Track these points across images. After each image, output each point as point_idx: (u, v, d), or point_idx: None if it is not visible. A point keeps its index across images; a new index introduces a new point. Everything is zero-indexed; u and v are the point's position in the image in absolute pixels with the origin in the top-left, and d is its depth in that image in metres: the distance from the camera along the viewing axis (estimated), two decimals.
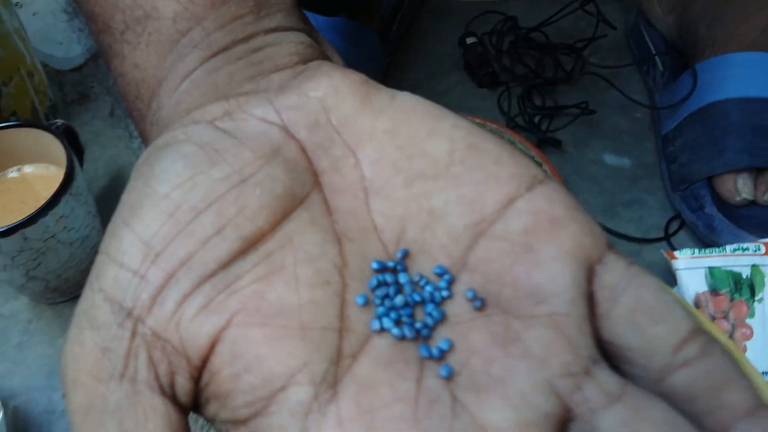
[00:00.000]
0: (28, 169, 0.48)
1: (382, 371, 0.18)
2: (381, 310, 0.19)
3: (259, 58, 0.23)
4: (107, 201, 0.56)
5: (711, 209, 0.49)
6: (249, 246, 0.19)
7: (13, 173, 0.48)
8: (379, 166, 0.21)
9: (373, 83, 0.22)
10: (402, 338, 0.18)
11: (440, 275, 0.19)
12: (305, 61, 0.23)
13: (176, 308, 0.18)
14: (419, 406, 0.17)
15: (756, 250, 0.45)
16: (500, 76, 0.61)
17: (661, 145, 0.55)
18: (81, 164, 0.50)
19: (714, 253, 0.46)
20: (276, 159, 0.20)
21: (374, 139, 0.21)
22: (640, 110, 0.59)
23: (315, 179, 0.21)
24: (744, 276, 0.45)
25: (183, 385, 0.18)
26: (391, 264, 0.20)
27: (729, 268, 0.45)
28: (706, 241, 0.50)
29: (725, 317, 0.44)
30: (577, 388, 0.17)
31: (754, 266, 0.45)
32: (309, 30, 0.25)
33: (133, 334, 0.17)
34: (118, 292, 0.18)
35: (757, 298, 0.44)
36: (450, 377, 0.18)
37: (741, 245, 0.46)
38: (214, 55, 0.23)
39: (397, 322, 0.19)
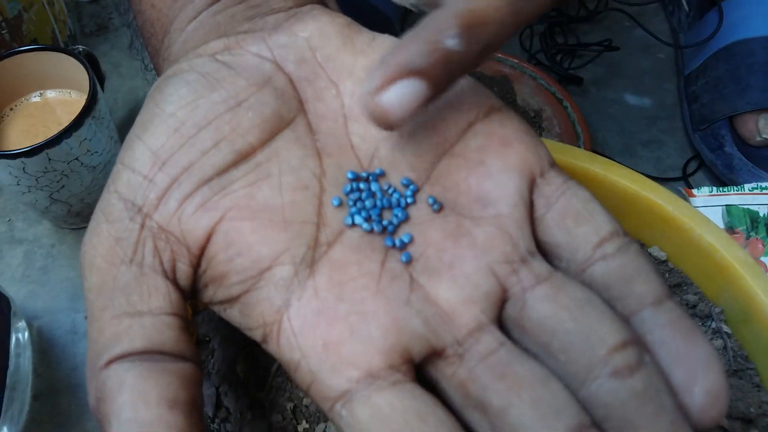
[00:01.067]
0: (50, 94, 0.48)
1: (352, 254, 0.21)
2: (353, 209, 0.22)
3: (258, 2, 0.26)
4: (128, 130, 0.56)
5: (731, 149, 0.49)
6: (241, 158, 0.21)
7: (35, 98, 0.48)
8: (357, 97, 0.23)
9: (356, 26, 0.25)
10: (370, 232, 0.21)
11: (406, 185, 0.22)
12: (299, 5, 0.26)
13: (178, 206, 0.21)
14: (382, 280, 0.20)
15: None
16: None
17: (683, 85, 0.54)
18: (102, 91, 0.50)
19: (732, 192, 0.46)
20: (267, 87, 0.23)
21: (354, 75, 0.24)
22: (663, 51, 0.59)
23: (301, 106, 0.23)
24: (761, 214, 0.45)
25: (183, 270, 0.21)
26: (364, 174, 0.22)
27: (746, 207, 0.45)
28: (725, 180, 0.50)
29: None
30: (513, 272, 0.20)
31: None
32: None
33: (142, 226, 0.20)
34: (130, 192, 0.21)
35: None
36: (409, 262, 0.21)
37: (759, 184, 0.46)
38: None
39: (367, 219, 0.21)
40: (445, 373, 0.19)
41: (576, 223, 0.21)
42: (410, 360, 0.19)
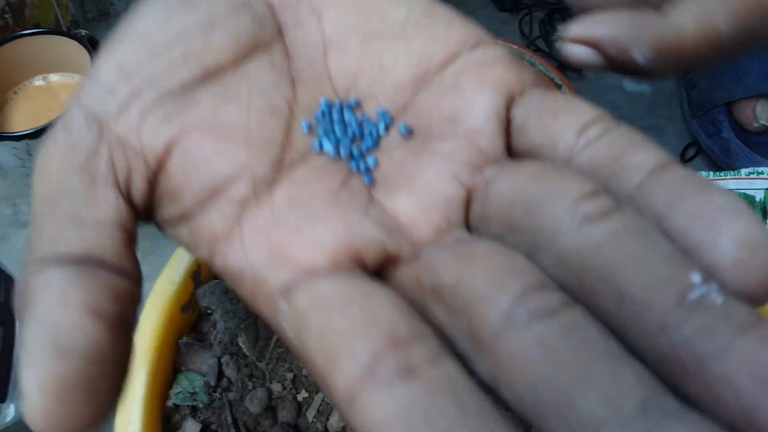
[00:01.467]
0: (53, 77, 0.49)
1: (315, 175, 0.20)
2: (323, 136, 0.21)
3: None
4: None
5: (728, 134, 0.49)
6: (209, 75, 0.21)
7: (38, 81, 0.49)
8: (339, 27, 0.23)
9: None
10: (337, 158, 0.21)
11: (381, 116, 0.22)
12: None
13: (139, 118, 0.20)
14: (341, 194, 0.20)
15: None
16: (523, 0, 0.61)
17: (681, 72, 0.55)
18: None
19: (729, 176, 0.46)
20: (244, 11, 0.22)
21: (338, 4, 0.23)
22: None
23: (279, 32, 0.23)
24: (757, 199, 0.46)
25: (138, 187, 0.20)
26: (338, 103, 0.22)
27: (742, 191, 0.46)
28: (722, 165, 0.50)
29: None
30: (478, 172, 0.19)
31: (767, 190, 0.46)
32: None
33: (100, 137, 0.20)
34: (92, 102, 0.20)
35: None
36: (372, 185, 0.20)
37: (756, 169, 0.46)
38: None
39: (336, 146, 0.21)
40: (402, 277, 0.18)
41: (555, 118, 0.19)
42: (361, 263, 0.18)
